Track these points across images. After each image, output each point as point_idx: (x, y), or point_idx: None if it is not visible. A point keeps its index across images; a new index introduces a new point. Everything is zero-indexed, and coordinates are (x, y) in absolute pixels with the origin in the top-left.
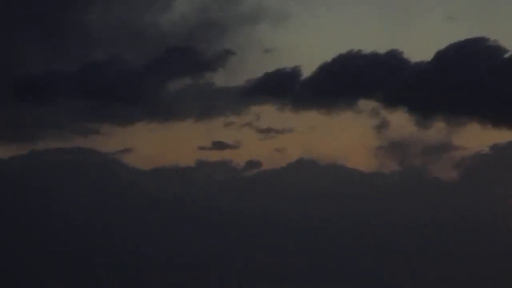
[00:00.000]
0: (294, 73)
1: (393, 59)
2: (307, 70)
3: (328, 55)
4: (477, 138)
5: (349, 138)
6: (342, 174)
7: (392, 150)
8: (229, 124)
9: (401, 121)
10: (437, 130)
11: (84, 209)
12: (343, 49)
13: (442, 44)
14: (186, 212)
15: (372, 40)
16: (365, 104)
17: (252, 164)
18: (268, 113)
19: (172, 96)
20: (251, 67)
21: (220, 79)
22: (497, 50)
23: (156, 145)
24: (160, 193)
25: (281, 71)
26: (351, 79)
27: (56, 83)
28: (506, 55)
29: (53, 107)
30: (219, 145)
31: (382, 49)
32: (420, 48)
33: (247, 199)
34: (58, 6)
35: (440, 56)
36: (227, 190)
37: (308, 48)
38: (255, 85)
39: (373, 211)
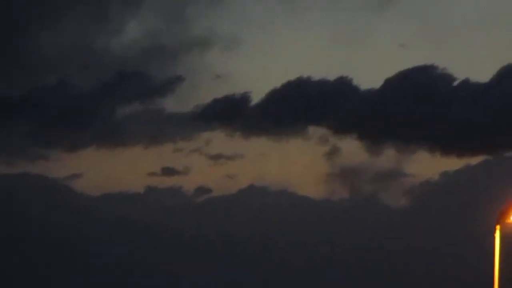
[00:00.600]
0: (244, 99)
1: (342, 86)
2: (257, 96)
3: (278, 81)
4: (426, 165)
5: (299, 164)
6: (293, 200)
7: (342, 177)
8: (179, 150)
9: (351, 148)
10: (387, 157)
11: (33, 235)
12: (292, 75)
13: (393, 72)
14: (135, 237)
15: (322, 66)
16: (315, 130)
17: (202, 190)
18: (217, 139)
19: (122, 122)
20: (201, 93)
21: (170, 104)
22: (447, 78)
23: (105, 170)
24: (110, 218)
25: (231, 97)
26: (300, 106)
27: (3, 107)
28: (455, 83)
29: (2, 132)
30: (168, 171)
31: (331, 76)
32: (370, 75)
33: (198, 225)
34: (8, 29)
35: (389, 83)
36: (177, 216)
37: (258, 74)
38: (204, 110)
39: (323, 237)
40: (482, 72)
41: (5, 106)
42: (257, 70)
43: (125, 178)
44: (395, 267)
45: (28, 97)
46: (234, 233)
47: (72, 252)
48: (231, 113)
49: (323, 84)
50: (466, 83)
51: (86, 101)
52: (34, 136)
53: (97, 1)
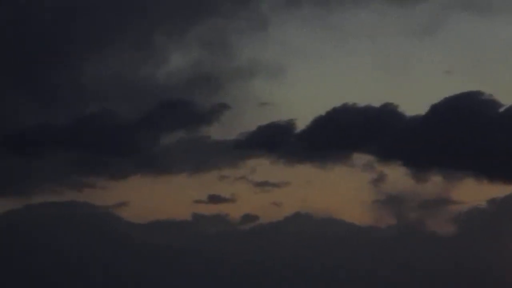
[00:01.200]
0: (288, 126)
1: (388, 113)
2: (302, 123)
3: (323, 108)
4: (474, 192)
5: (345, 191)
6: (339, 228)
7: (389, 204)
8: (224, 178)
9: (397, 175)
10: (434, 184)
11: (80, 263)
12: (337, 102)
13: (439, 98)
14: (182, 265)
15: (367, 93)
16: (360, 157)
17: (249, 217)
18: (263, 167)
19: (166, 150)
20: (246, 121)
21: (214, 132)
22: (493, 104)
23: (152, 198)
24: (157, 247)
25: (275, 124)
26: (345, 133)
27: (49, 136)
28: (501, 109)
29: (47, 161)
30: (215, 199)
31: (377, 102)
32: (415, 101)
33: (244, 252)
34: (51, 59)
35: (435, 109)
36: (224, 243)
37: (303, 101)
38: (249, 138)
39: (370, 264)
40: None
41: (49, 135)
42: (302, 97)
43: (172, 205)
44: None
45: (72, 126)
46: (281, 260)
47: (119, 279)
48: (276, 140)
49: (368, 110)
50: None
51: (130, 130)
52: (79, 164)
53: (141, 30)
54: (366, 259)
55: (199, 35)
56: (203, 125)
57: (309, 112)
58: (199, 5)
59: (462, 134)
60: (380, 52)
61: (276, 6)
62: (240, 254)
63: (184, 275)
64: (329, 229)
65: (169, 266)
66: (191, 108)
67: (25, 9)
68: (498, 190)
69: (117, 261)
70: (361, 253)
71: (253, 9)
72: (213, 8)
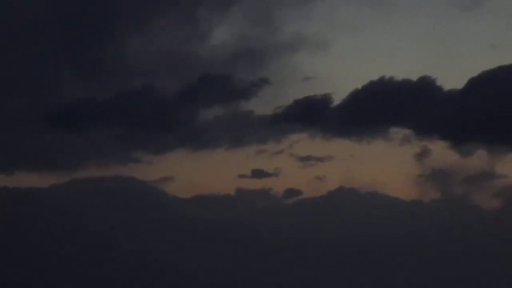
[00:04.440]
0: (325, 100)
1: (425, 86)
2: (338, 98)
3: (360, 82)
4: None
5: (388, 166)
6: (384, 202)
7: (433, 179)
8: (263, 152)
9: (439, 150)
10: (478, 158)
11: (126, 237)
12: (375, 75)
13: (479, 72)
14: (226, 239)
15: (405, 66)
16: (397, 132)
17: (292, 192)
18: (303, 141)
19: (208, 124)
20: (288, 95)
21: (254, 107)
22: None
23: (195, 173)
24: (201, 220)
25: (311, 98)
26: (382, 106)
27: (93, 111)
28: None
29: (91, 136)
30: (258, 173)
31: (414, 75)
32: (456, 75)
33: (287, 227)
34: (95, 35)
35: (473, 83)
36: (267, 217)
37: (342, 75)
38: (288, 112)
39: (415, 239)
40: None
41: (92, 110)
42: (342, 71)
43: (215, 180)
44: (488, 268)
45: (115, 100)
46: (324, 235)
47: (163, 254)
48: (312, 114)
49: (405, 84)
50: None
51: (173, 105)
52: (123, 139)
53: (185, 5)
54: (411, 233)
55: (243, 9)
56: (244, 100)
57: (347, 86)
58: None
59: (503, 108)
60: (423, 26)
61: None
62: (283, 228)
63: (228, 249)
64: (374, 203)
65: (213, 240)
66: (232, 82)
67: None
68: None
69: (162, 235)
70: (406, 227)
71: None
72: None
